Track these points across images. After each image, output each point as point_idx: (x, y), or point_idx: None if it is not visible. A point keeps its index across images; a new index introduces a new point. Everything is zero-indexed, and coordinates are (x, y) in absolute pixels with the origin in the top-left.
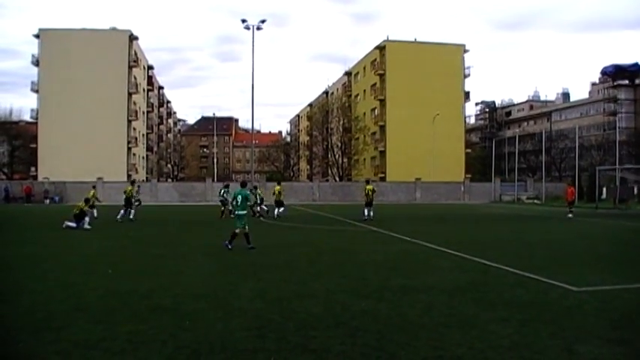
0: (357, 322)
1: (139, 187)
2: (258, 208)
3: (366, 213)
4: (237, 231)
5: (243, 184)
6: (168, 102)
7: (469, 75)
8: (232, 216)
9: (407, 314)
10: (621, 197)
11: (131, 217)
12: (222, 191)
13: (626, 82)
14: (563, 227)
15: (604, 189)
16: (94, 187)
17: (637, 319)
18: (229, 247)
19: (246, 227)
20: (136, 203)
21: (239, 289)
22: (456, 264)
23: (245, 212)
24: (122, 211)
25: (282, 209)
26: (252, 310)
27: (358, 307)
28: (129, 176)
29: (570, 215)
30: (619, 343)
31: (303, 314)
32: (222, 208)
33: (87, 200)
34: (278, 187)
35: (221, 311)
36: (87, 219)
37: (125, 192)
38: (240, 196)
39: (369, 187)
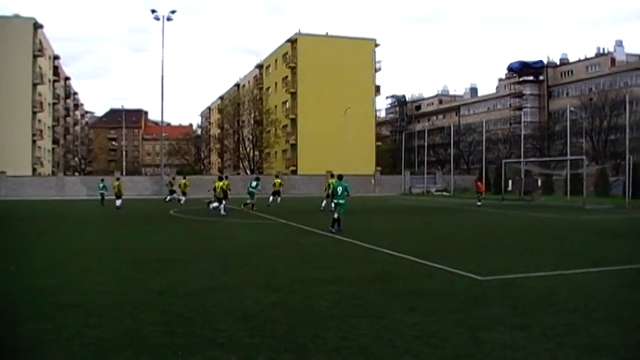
0: (267, 314)
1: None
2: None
3: (323, 204)
4: (335, 216)
5: (340, 177)
6: (76, 93)
7: (380, 69)
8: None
9: (316, 306)
10: (526, 189)
11: (223, 211)
12: (255, 183)
13: (531, 78)
14: (471, 218)
15: (510, 181)
16: (118, 178)
17: (538, 306)
18: (333, 231)
19: (342, 213)
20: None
21: (147, 285)
22: (366, 255)
23: (344, 201)
24: (220, 205)
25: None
26: (161, 306)
27: (268, 300)
28: (34, 170)
29: (479, 203)
30: (521, 329)
31: (212, 308)
32: (249, 201)
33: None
34: (220, 183)
35: (128, 307)
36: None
37: (216, 187)
38: (340, 188)
39: (332, 180)
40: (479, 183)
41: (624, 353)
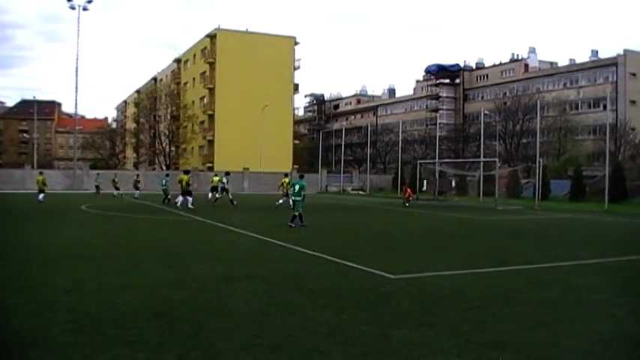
0: (177, 312)
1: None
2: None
3: (280, 201)
4: (296, 213)
5: (302, 177)
6: None
7: (299, 67)
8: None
9: (227, 303)
10: (440, 189)
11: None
12: (226, 179)
13: (448, 80)
14: (385, 217)
15: (425, 181)
16: (41, 172)
17: (447, 304)
18: (292, 225)
19: (300, 210)
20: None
21: (55, 281)
22: (279, 253)
23: (300, 198)
24: (185, 198)
25: (189, 199)
26: (68, 303)
27: (178, 298)
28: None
29: (407, 204)
30: (430, 327)
31: (121, 306)
32: (219, 195)
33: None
34: (186, 177)
35: (34, 304)
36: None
37: (182, 180)
38: (297, 186)
39: (285, 179)
40: (408, 189)
41: (529, 350)
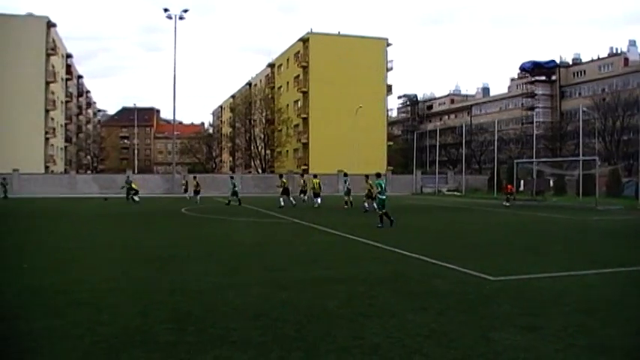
0: (278, 313)
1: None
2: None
3: (367, 205)
4: (385, 211)
5: (378, 175)
6: (88, 92)
7: (392, 68)
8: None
9: (327, 305)
10: (538, 189)
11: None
12: (348, 181)
13: (543, 78)
14: (482, 218)
15: (522, 181)
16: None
17: (548, 307)
18: (380, 225)
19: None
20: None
21: (158, 283)
22: (376, 255)
23: (386, 197)
24: (317, 199)
25: (319, 200)
26: (172, 303)
27: (279, 299)
28: (46, 168)
29: (506, 204)
30: (531, 330)
31: (223, 306)
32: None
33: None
34: (316, 180)
35: (140, 305)
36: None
37: (314, 184)
38: (384, 183)
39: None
40: (509, 185)
41: (637, 354)
